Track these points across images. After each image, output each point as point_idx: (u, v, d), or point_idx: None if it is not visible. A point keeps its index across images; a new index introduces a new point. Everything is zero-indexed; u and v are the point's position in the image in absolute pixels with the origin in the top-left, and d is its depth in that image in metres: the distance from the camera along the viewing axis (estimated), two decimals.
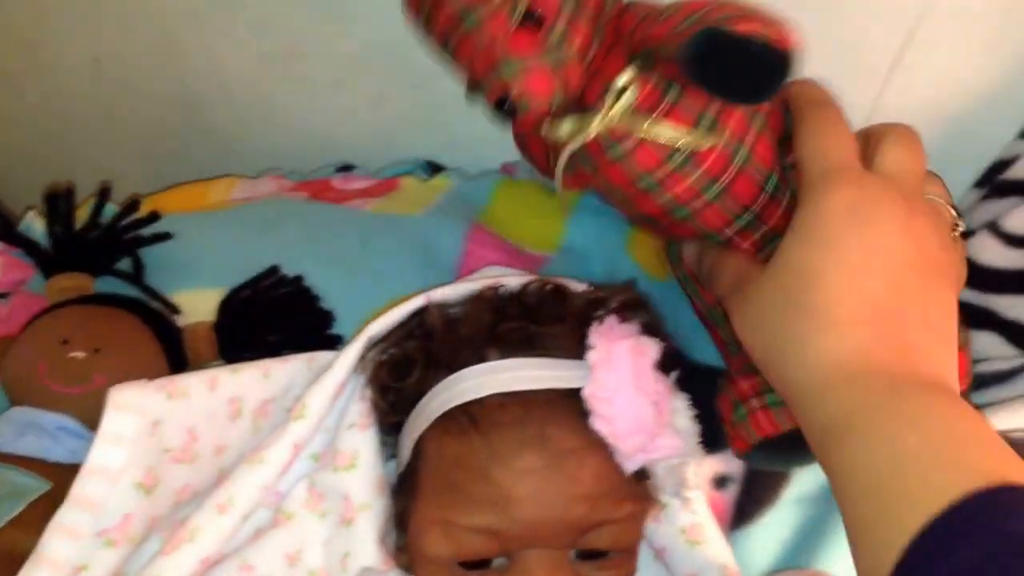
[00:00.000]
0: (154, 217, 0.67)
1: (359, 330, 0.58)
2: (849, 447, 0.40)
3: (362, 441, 0.55)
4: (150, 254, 0.66)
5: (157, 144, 0.92)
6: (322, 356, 0.59)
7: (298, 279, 0.66)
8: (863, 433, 0.40)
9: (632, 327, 0.53)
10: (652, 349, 0.52)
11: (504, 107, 0.48)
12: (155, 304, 0.64)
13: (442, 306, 0.57)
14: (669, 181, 0.50)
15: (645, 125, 0.48)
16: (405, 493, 0.55)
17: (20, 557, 0.48)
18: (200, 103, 0.86)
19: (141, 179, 0.83)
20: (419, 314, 0.57)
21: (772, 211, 0.51)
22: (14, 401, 0.57)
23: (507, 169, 0.78)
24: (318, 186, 0.76)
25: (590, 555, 0.51)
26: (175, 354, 0.61)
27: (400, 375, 0.55)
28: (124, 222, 0.66)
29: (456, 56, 0.51)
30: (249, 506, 0.53)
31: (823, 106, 0.50)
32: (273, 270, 0.66)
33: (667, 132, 0.48)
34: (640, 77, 0.49)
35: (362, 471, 0.55)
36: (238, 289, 0.65)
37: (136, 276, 0.65)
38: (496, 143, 0.79)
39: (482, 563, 0.51)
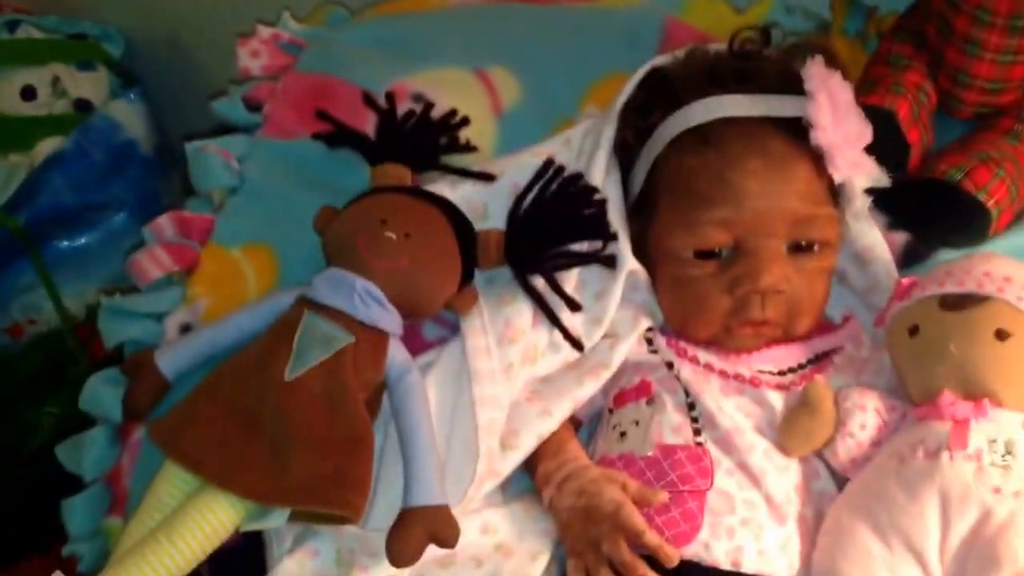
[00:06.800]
0: (465, 121, 0.75)
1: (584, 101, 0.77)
2: None
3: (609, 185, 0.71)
4: None
5: None
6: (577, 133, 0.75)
7: (578, 176, 0.70)
8: None
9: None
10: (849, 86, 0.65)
11: None
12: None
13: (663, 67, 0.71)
14: None
15: None
16: (642, 212, 0.68)
17: (322, 394, 0.60)
18: None
19: None
20: (648, 77, 0.71)
21: None
22: (331, 263, 0.66)
23: None
24: None
25: (800, 248, 0.64)
26: (468, 252, 0.68)
27: (645, 115, 0.69)
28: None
29: None
30: None
31: None
32: (549, 163, 0.70)
33: None
34: None
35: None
36: (522, 195, 0.70)
37: (455, 170, 0.73)
38: None
39: (712, 254, 0.64)
